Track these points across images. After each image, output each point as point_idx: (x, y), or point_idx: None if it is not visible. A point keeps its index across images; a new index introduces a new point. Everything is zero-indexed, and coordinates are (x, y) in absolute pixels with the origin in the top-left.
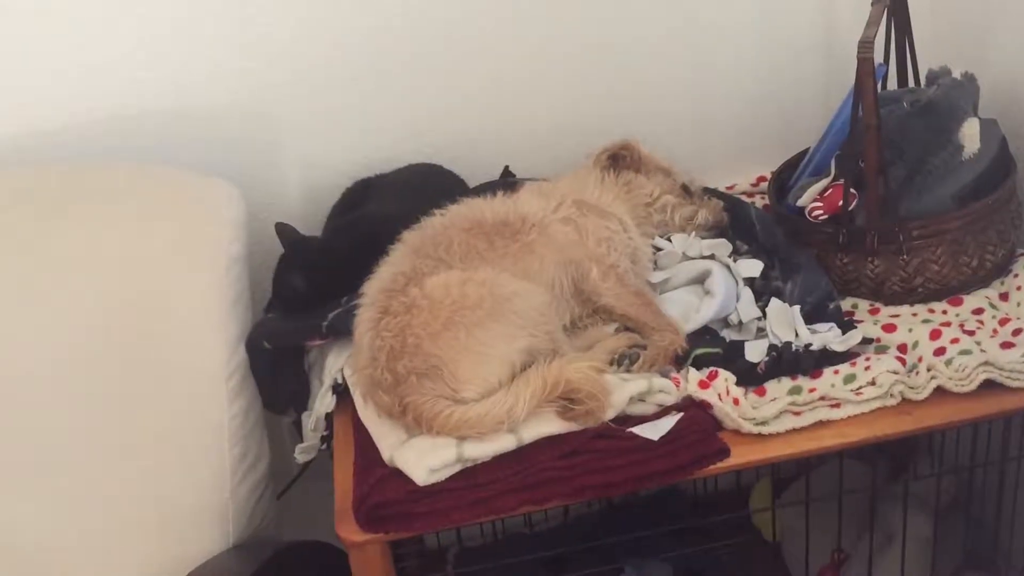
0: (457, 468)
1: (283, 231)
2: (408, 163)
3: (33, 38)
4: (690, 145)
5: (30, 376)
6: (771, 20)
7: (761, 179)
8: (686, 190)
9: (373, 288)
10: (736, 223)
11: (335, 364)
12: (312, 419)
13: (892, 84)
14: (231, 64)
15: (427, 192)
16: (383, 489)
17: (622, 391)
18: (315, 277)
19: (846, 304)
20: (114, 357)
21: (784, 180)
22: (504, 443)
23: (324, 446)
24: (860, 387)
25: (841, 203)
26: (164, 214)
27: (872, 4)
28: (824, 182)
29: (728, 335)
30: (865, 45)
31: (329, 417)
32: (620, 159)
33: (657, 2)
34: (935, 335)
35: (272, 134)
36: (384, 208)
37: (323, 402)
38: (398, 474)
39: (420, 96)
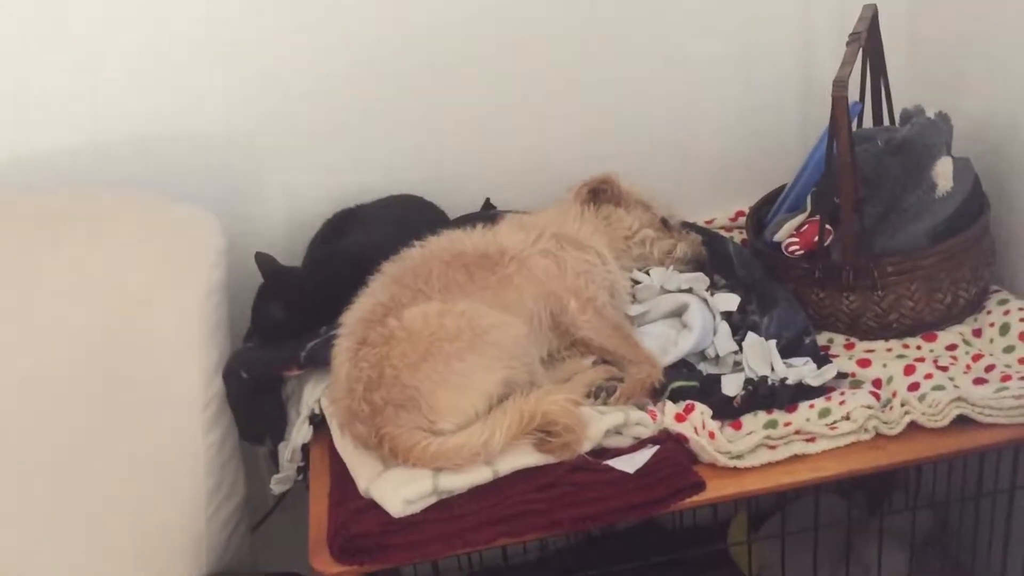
0: (433, 500)
1: (263, 261)
2: (389, 194)
3: (17, 65)
4: (670, 179)
5: (8, 400)
6: (751, 59)
7: (740, 214)
8: (665, 224)
9: (352, 318)
10: (714, 257)
11: (312, 395)
12: (288, 450)
13: (868, 122)
14: (215, 93)
15: (408, 224)
16: (359, 521)
17: (599, 424)
18: (294, 307)
19: (822, 338)
20: (93, 384)
21: (762, 215)
22: (481, 475)
23: (300, 477)
24: (835, 422)
25: (817, 239)
26: (145, 242)
27: (847, 44)
28: (800, 218)
29: (705, 368)
30: (839, 84)
31: (305, 448)
32: (600, 193)
33: (640, 41)
34: (909, 371)
35: (255, 163)
36: (365, 239)
37: (300, 433)
38: (374, 506)
39: (402, 128)
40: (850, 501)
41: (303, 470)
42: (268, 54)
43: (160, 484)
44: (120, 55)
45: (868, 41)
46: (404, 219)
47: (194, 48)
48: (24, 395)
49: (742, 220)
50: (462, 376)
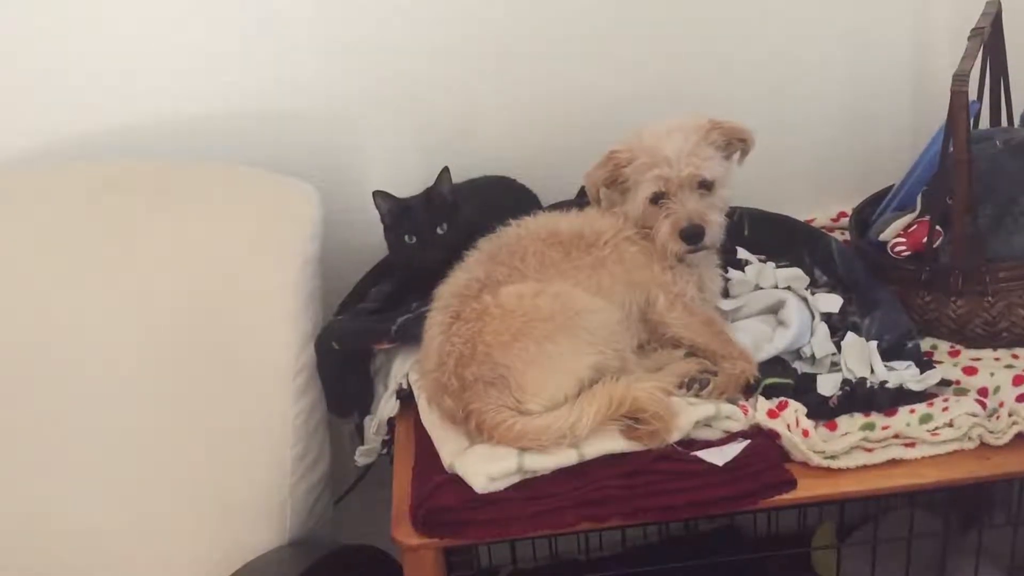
0: (517, 479)
1: (382, 197)
2: (483, 175)
3: (136, 39)
4: (767, 175)
5: (106, 362)
6: (861, 52)
7: (842, 215)
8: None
9: (446, 292)
10: (815, 255)
11: (401, 369)
12: (375, 423)
13: (985, 123)
14: (318, 69)
15: (503, 205)
16: (441, 495)
17: (688, 414)
18: (424, 235)
19: (925, 344)
20: (188, 349)
21: (866, 216)
22: (566, 457)
23: (385, 451)
24: (937, 428)
25: (926, 240)
26: (244, 212)
27: (969, 39)
28: (909, 217)
29: (800, 368)
30: (960, 78)
31: (392, 422)
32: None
33: (743, 30)
34: (1018, 380)
35: (356, 140)
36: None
37: (387, 406)
38: (457, 481)
39: (506, 109)
40: (946, 518)
41: (388, 444)
42: (373, 30)
43: (247, 449)
44: (228, 32)
45: (990, 39)
46: (499, 201)
47: (299, 25)
48: (122, 356)
49: (844, 221)
50: (552, 358)
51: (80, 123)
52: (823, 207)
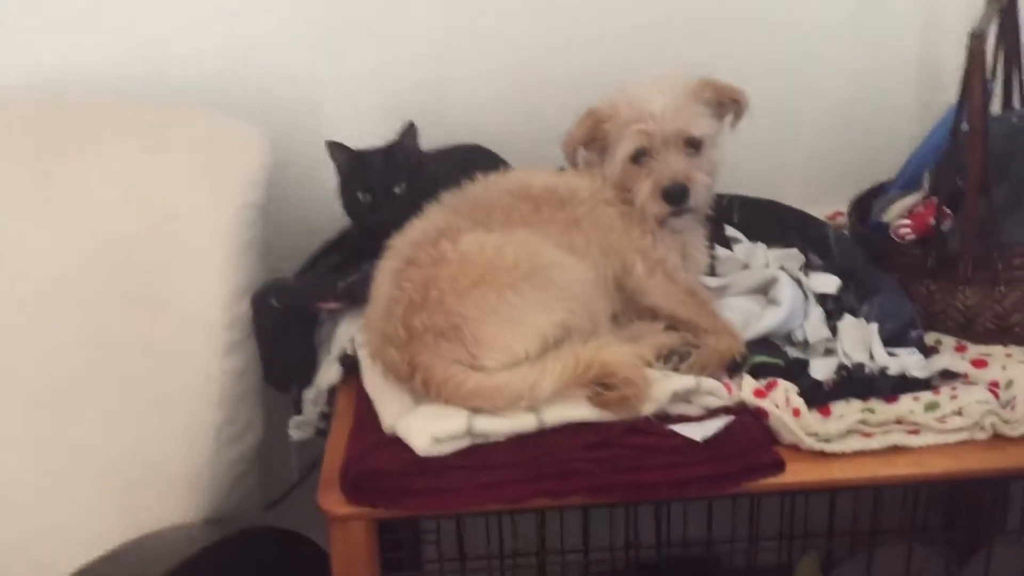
0: (466, 443)
1: (337, 148)
2: (455, 143)
3: None
4: (758, 166)
5: (20, 305)
6: (863, 44)
7: (837, 214)
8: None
9: (400, 241)
10: (809, 239)
11: (347, 333)
12: (313, 390)
13: (996, 108)
14: (280, 22)
15: (472, 173)
16: (376, 456)
17: (665, 385)
18: (376, 190)
19: (929, 339)
20: (109, 291)
21: (866, 206)
22: (523, 423)
23: (323, 425)
24: (944, 416)
25: (932, 222)
26: (179, 149)
27: (987, 2)
28: (915, 197)
29: (791, 352)
30: (977, 37)
31: (333, 392)
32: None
33: (739, 8)
34: None
35: (318, 97)
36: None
37: (328, 372)
38: (397, 443)
39: (475, 75)
40: (947, 550)
41: (327, 419)
42: None
43: (166, 406)
44: None
45: (1003, 21)
46: (466, 168)
47: None
48: (38, 298)
49: (840, 220)
50: (515, 309)
51: (39, 65)
52: (817, 203)
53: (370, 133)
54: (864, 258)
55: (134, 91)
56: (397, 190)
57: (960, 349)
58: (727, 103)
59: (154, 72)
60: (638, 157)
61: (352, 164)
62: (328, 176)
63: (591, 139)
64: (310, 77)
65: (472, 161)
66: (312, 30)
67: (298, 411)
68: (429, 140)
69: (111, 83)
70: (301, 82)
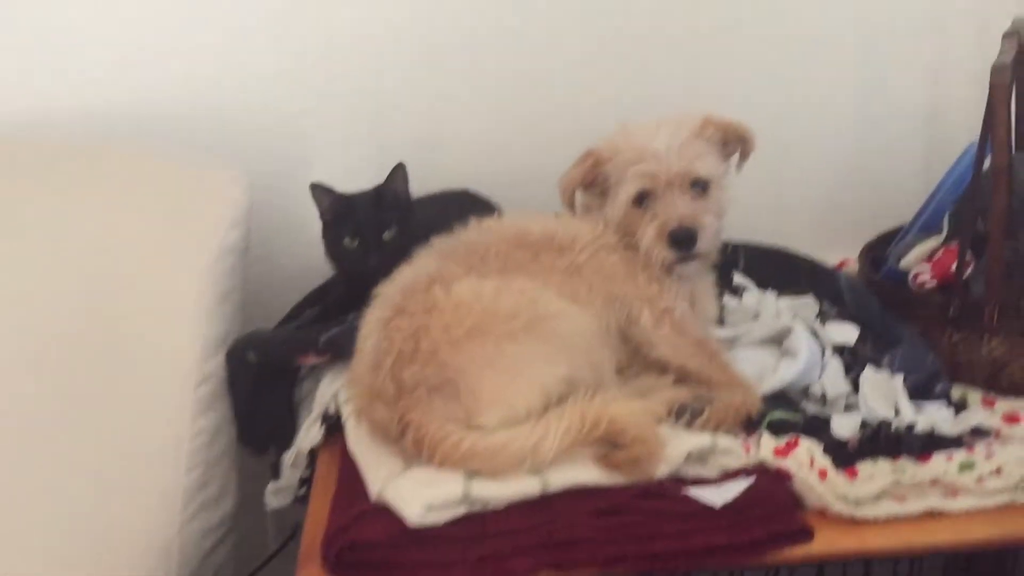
0: (462, 510)
1: (321, 191)
2: (443, 189)
3: (88, 24)
4: (761, 214)
5: None
6: (872, 89)
7: (844, 263)
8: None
9: (389, 289)
10: (821, 290)
11: (329, 390)
12: (292, 453)
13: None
14: (264, 68)
15: (463, 219)
16: (362, 526)
17: (679, 444)
18: (366, 234)
19: (955, 392)
20: (75, 342)
21: (878, 252)
22: (525, 487)
23: (303, 491)
24: (981, 476)
25: (954, 268)
26: (153, 192)
27: (1004, 38)
28: (934, 242)
29: (809, 408)
30: (999, 71)
31: (313, 454)
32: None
33: (744, 51)
34: None
35: (304, 143)
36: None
37: (309, 433)
38: (385, 511)
39: (463, 119)
40: None
41: (307, 484)
42: (324, 33)
43: (130, 470)
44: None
45: (1016, 58)
46: (457, 214)
47: (250, 14)
48: None
49: (849, 268)
50: (515, 361)
51: (14, 101)
52: (823, 251)
53: (357, 175)
54: (880, 307)
55: (113, 130)
56: (386, 235)
57: (988, 403)
58: (732, 141)
59: (133, 111)
60: (641, 200)
61: (338, 208)
62: (312, 221)
63: (590, 181)
64: (293, 117)
65: (463, 207)
66: (298, 66)
67: (276, 476)
68: (418, 186)
69: (88, 121)
70: (284, 121)
